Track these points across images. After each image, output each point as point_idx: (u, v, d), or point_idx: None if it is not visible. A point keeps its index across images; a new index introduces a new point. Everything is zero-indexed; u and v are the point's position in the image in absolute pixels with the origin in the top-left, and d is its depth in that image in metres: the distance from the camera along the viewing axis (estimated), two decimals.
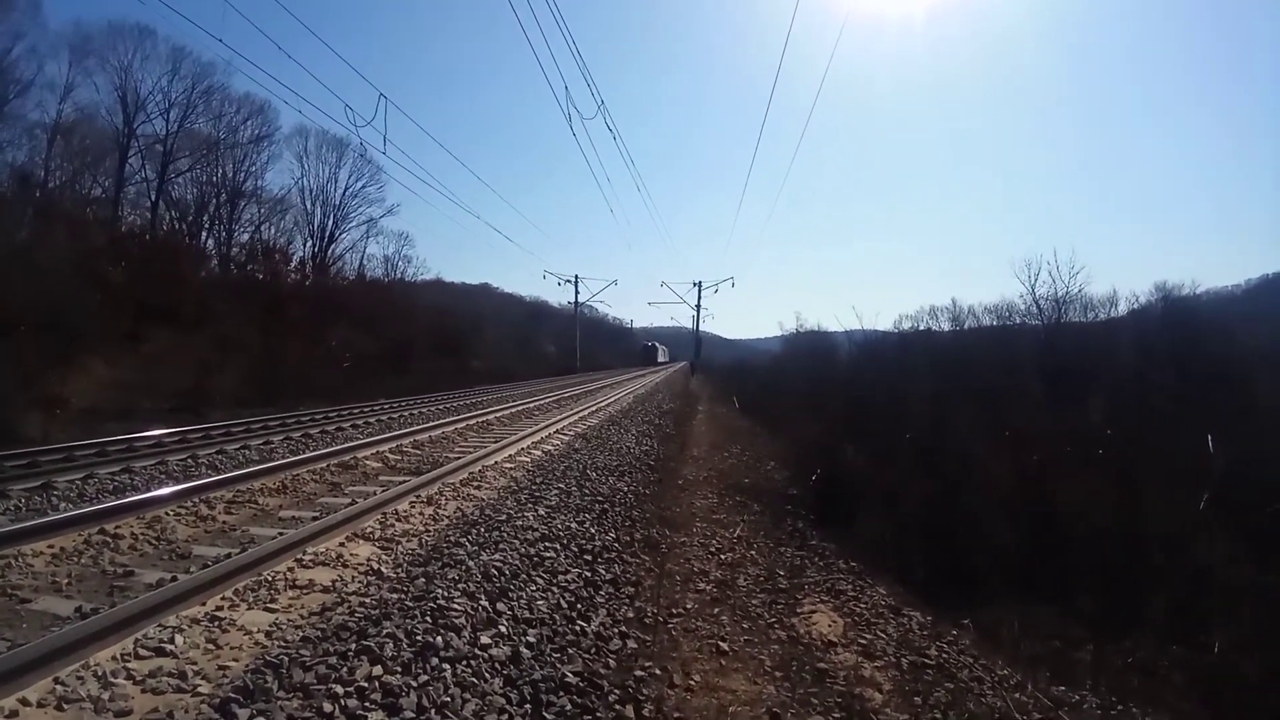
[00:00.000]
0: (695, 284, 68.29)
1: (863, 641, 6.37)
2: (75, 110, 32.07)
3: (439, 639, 4.09)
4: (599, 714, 4.05)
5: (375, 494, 7.81)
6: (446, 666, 3.85)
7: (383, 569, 5.45)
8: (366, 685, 3.51)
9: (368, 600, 4.66)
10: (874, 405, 21.28)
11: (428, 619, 4.35)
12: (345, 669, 3.62)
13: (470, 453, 11.04)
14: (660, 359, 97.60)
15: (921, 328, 52.93)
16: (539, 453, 11.81)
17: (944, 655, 6.40)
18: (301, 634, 4.09)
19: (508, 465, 10.46)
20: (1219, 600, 9.35)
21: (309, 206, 44.21)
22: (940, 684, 5.66)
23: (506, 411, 18.34)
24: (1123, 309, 42.21)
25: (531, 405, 20.76)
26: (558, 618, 5.05)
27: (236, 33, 34.21)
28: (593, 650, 4.84)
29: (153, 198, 35.19)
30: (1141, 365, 27.91)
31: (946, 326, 52.46)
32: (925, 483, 13.64)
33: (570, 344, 65.26)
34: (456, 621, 4.37)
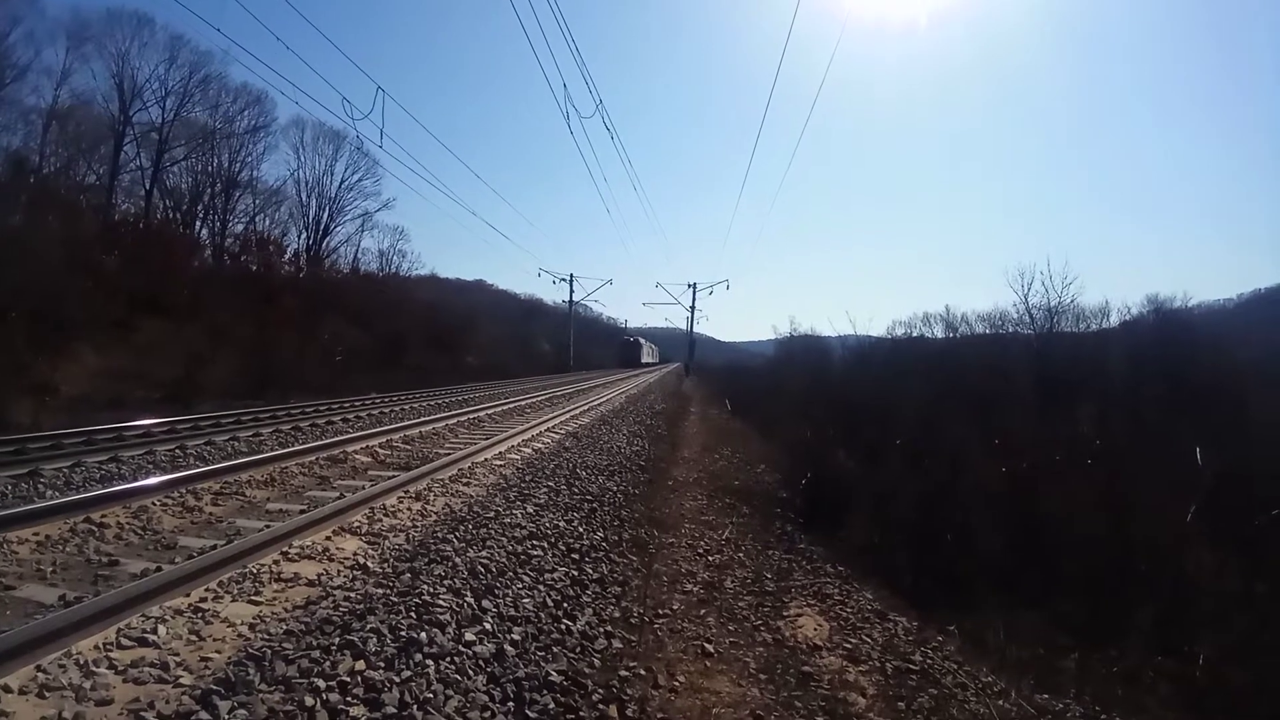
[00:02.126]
0: (690, 285, 68.29)
1: (848, 645, 6.37)
2: (71, 96, 32.05)
3: (423, 635, 4.08)
4: (582, 713, 4.05)
5: (364, 488, 7.79)
6: (430, 663, 3.84)
7: (369, 564, 5.43)
8: (349, 680, 3.50)
9: (353, 595, 4.64)
10: (866, 410, 21.33)
11: (412, 614, 4.34)
12: (328, 663, 3.61)
13: (461, 449, 11.04)
14: (646, 359, 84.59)
15: (915, 334, 53.12)
16: (529, 450, 11.80)
17: (929, 661, 6.41)
18: (285, 627, 4.07)
19: (498, 462, 10.44)
20: (1205, 610, 9.40)
21: (304, 198, 44.17)
22: (924, 689, 5.67)
23: (498, 408, 18.31)
24: (1114, 320, 42.43)
25: (524, 403, 20.74)
26: (543, 616, 5.05)
27: (235, 22, 34.03)
28: (578, 649, 4.84)
29: (147, 186, 35.16)
30: (1132, 376, 28.09)
31: (940, 333, 52.65)
32: (915, 488, 13.67)
33: (564, 342, 65.22)
34: (441, 618, 4.36)
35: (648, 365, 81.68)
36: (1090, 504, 12.23)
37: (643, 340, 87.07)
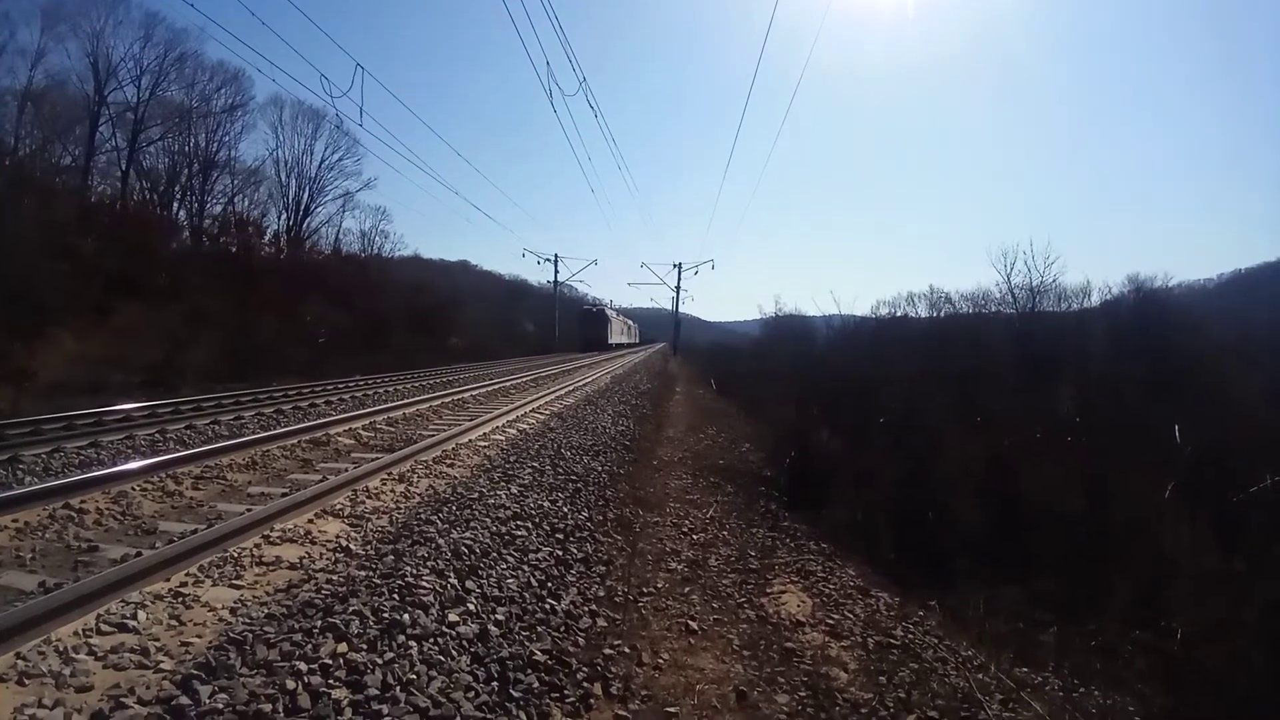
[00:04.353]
0: (675, 265, 67.74)
1: (830, 621, 6.43)
2: (46, 77, 31.40)
3: (406, 616, 4.08)
4: (566, 691, 4.07)
5: (346, 471, 7.75)
6: (413, 644, 3.85)
7: (351, 546, 5.42)
8: (331, 662, 3.49)
9: (335, 577, 4.63)
10: (850, 390, 21.44)
11: (395, 596, 4.34)
12: (310, 646, 3.61)
13: (444, 430, 11.00)
14: (618, 339, 66.99)
15: (899, 314, 53.54)
16: (514, 431, 11.79)
17: (910, 636, 6.47)
18: (266, 611, 4.06)
19: (482, 444, 10.42)
20: (1183, 586, 9.54)
21: (283, 178, 43.34)
22: (905, 664, 5.73)
23: (483, 389, 18.26)
24: (1096, 300, 42.85)
25: (508, 384, 20.69)
26: (528, 596, 5.06)
27: None
28: (562, 629, 4.86)
29: (123, 167, 34.49)
30: (1112, 355, 28.36)
31: (924, 313, 53.07)
32: (898, 466, 13.79)
33: (549, 323, 64.88)
34: (424, 599, 4.36)
35: (622, 346, 67.61)
36: (1070, 482, 12.38)
37: (611, 312, 67.65)
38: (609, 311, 65.08)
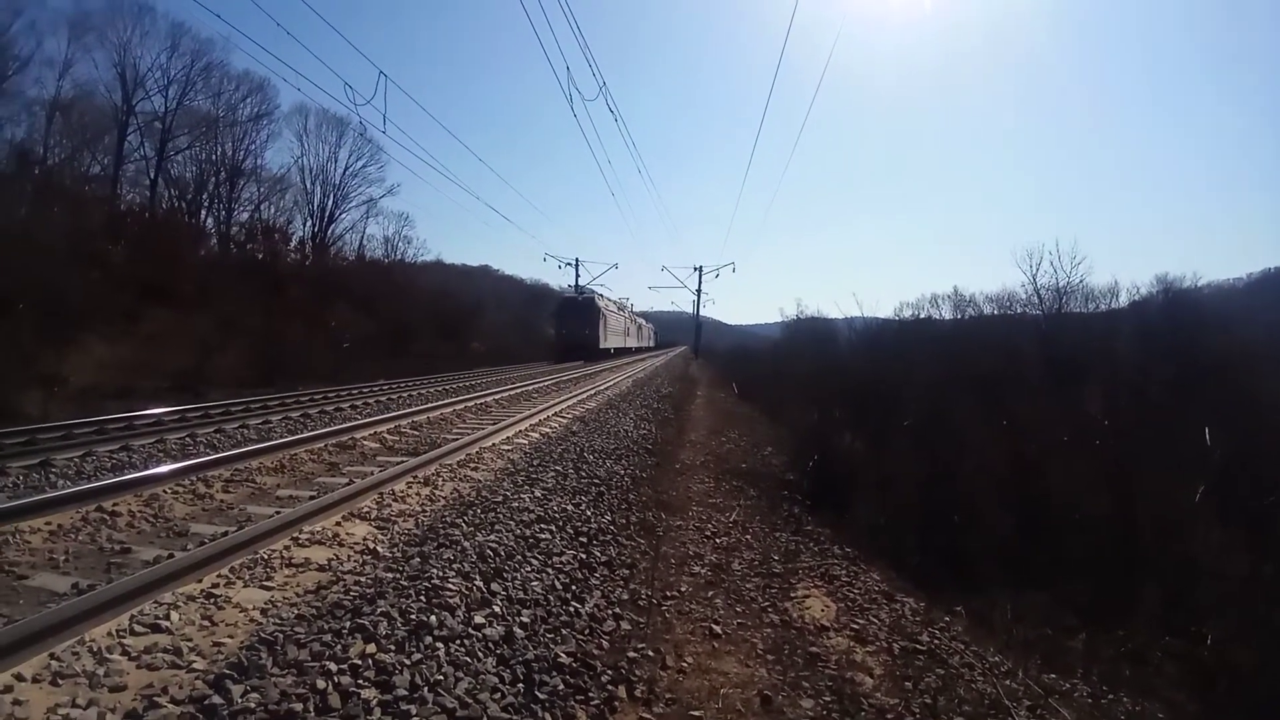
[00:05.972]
0: (696, 269, 67.39)
1: (855, 626, 6.40)
2: (74, 87, 32.10)
3: (433, 618, 4.11)
4: (591, 694, 4.08)
5: (372, 474, 7.82)
6: (440, 645, 3.87)
7: (378, 548, 5.47)
8: (360, 663, 3.53)
9: (363, 579, 4.68)
10: (873, 392, 21.28)
11: (422, 598, 4.37)
12: (339, 646, 3.65)
13: (468, 434, 11.06)
14: (617, 343, 51.36)
15: (922, 315, 53.15)
16: (536, 435, 11.83)
17: (936, 641, 6.43)
18: (296, 611, 4.11)
19: (505, 447, 10.47)
20: (1213, 591, 9.39)
21: (309, 186, 44.05)
22: (931, 669, 5.69)
23: (505, 394, 18.34)
24: (1123, 300, 42.34)
25: (530, 388, 20.75)
26: (552, 599, 5.08)
27: (235, 8, 33.88)
28: (586, 631, 4.87)
29: (152, 176, 35.18)
30: (1141, 357, 27.95)
31: (948, 314, 52.67)
32: (922, 470, 13.68)
33: None
34: (451, 601, 4.39)
35: (627, 352, 56.10)
36: (1097, 485, 12.22)
37: (606, 302, 49.70)
38: (601, 302, 47.08)
